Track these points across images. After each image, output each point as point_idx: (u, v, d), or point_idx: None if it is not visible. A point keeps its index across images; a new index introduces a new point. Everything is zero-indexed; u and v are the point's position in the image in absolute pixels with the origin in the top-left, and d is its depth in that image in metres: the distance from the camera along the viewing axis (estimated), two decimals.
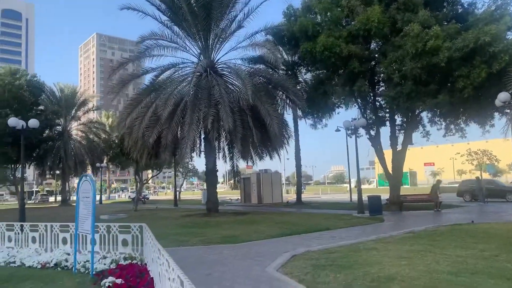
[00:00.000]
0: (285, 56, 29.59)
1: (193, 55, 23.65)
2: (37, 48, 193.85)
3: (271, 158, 24.01)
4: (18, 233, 11.29)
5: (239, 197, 37.99)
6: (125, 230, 9.83)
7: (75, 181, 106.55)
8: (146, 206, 37.84)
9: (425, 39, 18.06)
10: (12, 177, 50.82)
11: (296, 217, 20.69)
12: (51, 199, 72.33)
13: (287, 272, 8.08)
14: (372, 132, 24.36)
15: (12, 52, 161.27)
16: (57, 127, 48.08)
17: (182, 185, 58.87)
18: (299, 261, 9.09)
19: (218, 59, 23.68)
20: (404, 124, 23.93)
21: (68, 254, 9.62)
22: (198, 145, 24.32)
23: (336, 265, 8.46)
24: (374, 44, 22.66)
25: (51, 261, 9.52)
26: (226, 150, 24.73)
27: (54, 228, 10.67)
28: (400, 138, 23.98)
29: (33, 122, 16.90)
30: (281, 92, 25.41)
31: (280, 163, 53.75)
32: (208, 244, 12.38)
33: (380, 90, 23.97)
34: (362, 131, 24.44)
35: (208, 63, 22.61)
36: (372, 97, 24.23)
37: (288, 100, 25.45)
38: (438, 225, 15.31)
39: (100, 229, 9.93)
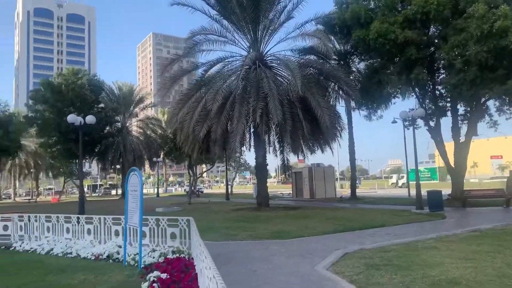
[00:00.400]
0: (337, 46, 28.61)
1: (242, 48, 23.54)
2: (98, 49, 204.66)
3: (322, 151, 23.35)
4: (75, 225, 11.74)
5: (291, 192, 37.57)
6: (173, 223, 9.84)
7: None
8: (199, 200, 38.59)
9: (492, 19, 16.49)
10: (77, 172, 54.07)
11: (349, 212, 19.93)
12: (114, 192, 76.19)
13: (337, 271, 7.61)
14: (432, 123, 22.85)
15: (77, 54, 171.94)
16: (117, 123, 50.36)
17: (234, 179, 59.39)
18: (351, 260, 8.57)
19: (267, 51, 23.36)
20: (468, 114, 22.17)
21: (120, 247, 9.79)
22: (248, 139, 24.18)
23: (391, 265, 7.85)
24: (433, 29, 21.16)
25: (104, 253, 9.76)
26: (276, 143, 24.38)
27: (107, 221, 10.97)
28: (463, 129, 22.26)
29: (90, 119, 17.65)
30: (333, 83, 24.60)
31: (334, 157, 52.53)
32: (257, 239, 12.16)
33: (440, 77, 22.37)
34: (420, 122, 23.02)
35: (257, 56, 22.34)
36: (431, 86, 22.69)
37: (340, 91, 24.59)
38: (507, 223, 13.95)
39: (149, 222, 10.02)
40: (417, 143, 21.22)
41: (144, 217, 10.18)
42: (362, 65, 27.45)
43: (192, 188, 48.68)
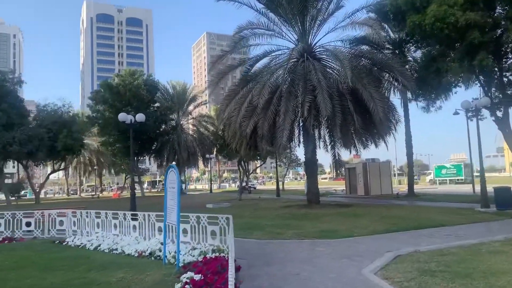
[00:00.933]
0: (391, 34, 27.05)
1: (290, 41, 22.94)
2: (155, 50, 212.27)
3: (376, 146, 22.13)
4: (122, 221, 11.92)
5: (345, 188, 36.36)
6: (213, 221, 9.59)
7: (191, 172, 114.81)
8: (250, 196, 38.58)
9: None
10: (135, 169, 56.41)
11: (405, 210, 18.69)
12: None
13: (387, 277, 6.92)
14: (499, 114, 20.83)
15: (136, 56, 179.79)
16: (171, 122, 51.73)
17: (285, 175, 58.88)
18: (403, 264, 7.80)
19: (315, 43, 22.57)
20: None
21: (162, 244, 9.74)
22: (296, 134, 23.56)
23: (449, 271, 7.00)
24: (500, 9, 19.21)
25: (147, 250, 9.75)
26: (326, 138, 23.50)
27: (151, 218, 10.99)
28: None
29: (140, 117, 17.99)
30: (387, 74, 23.25)
31: (391, 151, 50.15)
32: (303, 238, 11.62)
33: (508, 63, 20.32)
34: (486, 112, 21.10)
35: (304, 48, 21.64)
36: (497, 72, 20.67)
37: (395, 82, 23.17)
38: None
39: (190, 219, 9.85)
40: (483, 135, 19.38)
41: (185, 214, 10.08)
42: (418, 53, 25.74)
43: (244, 184, 48.94)
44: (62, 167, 48.30)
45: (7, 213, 14.49)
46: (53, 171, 48.23)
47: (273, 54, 22.25)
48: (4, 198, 41.57)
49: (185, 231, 9.87)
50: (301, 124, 21.79)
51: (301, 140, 22.69)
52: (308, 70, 19.94)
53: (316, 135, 23.29)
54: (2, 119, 24.33)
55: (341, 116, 18.86)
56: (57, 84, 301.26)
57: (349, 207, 21.18)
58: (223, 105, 21.64)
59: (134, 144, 47.74)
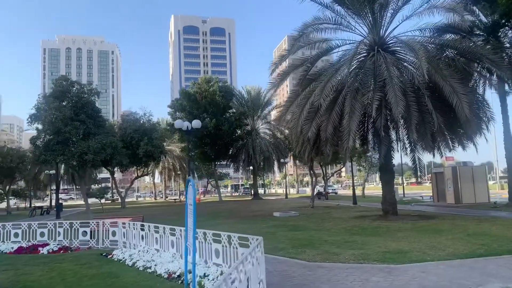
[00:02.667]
0: (482, 18, 23.31)
1: (359, 35, 20.73)
2: (238, 57, 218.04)
3: (463, 148, 18.92)
4: (162, 236, 11.18)
5: (432, 195, 32.54)
6: (244, 242, 8.29)
7: (274, 176, 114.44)
8: (326, 203, 36.51)
9: None
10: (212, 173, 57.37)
11: (501, 225, 15.47)
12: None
13: None
14: None
15: (220, 64, 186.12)
16: (246, 126, 51.67)
17: (365, 180, 55.31)
18: None
19: (387, 34, 20.09)
20: None
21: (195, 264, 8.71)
22: (371, 138, 21.24)
23: None
24: None
25: (177, 271, 8.81)
26: (405, 140, 20.81)
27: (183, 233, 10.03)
28: None
29: (196, 123, 17.37)
30: (476, 64, 19.91)
31: (492, 153, 44.18)
32: (361, 261, 9.76)
33: None
34: None
35: (375, 40, 19.39)
36: None
37: (486, 73, 19.74)
38: None
39: (222, 239, 8.68)
40: None
41: (217, 232, 8.96)
42: None
43: (320, 189, 46.79)
44: (145, 172, 50.80)
45: (66, 223, 14.76)
46: (137, 177, 51.01)
47: (338, 49, 20.27)
48: (97, 201, 45.02)
49: (217, 252, 8.76)
50: (371, 126, 19.50)
51: (371, 143, 20.33)
52: (377, 64, 17.71)
53: (393, 137, 20.81)
54: (80, 130, 25.81)
55: (417, 115, 16.29)
56: (150, 94, 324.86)
57: (431, 219, 18.37)
58: (284, 108, 20.26)
59: (211, 150, 48.69)
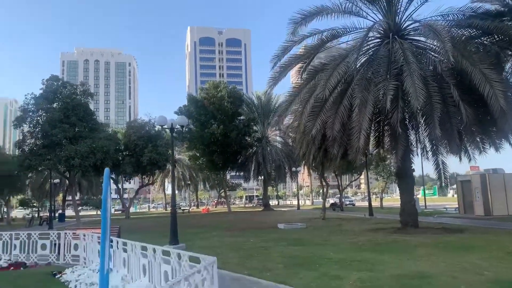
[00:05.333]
0: None
1: (371, 21, 18.20)
2: (254, 67, 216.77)
3: (496, 149, 16.03)
4: (115, 251, 8.85)
5: (458, 207, 29.36)
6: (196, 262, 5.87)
7: (291, 186, 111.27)
8: (339, 214, 33.65)
9: None
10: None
11: None
12: (272, 202, 74.20)
13: None
14: None
15: (235, 75, 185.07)
16: (255, 133, 49.30)
17: (383, 190, 51.97)
18: None
19: (404, 19, 17.52)
20: None
21: None
22: (386, 138, 18.54)
23: None
24: None
25: None
26: (426, 141, 18.04)
27: (137, 248, 7.67)
28: None
29: (181, 120, 14.90)
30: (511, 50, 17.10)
31: None
32: None
33: None
34: None
35: (389, 26, 16.88)
36: None
37: None
38: None
39: (171, 258, 6.28)
40: None
41: (166, 249, 6.60)
42: None
43: (332, 200, 43.84)
44: (150, 181, 48.84)
45: (23, 234, 12.59)
46: (142, 186, 48.99)
47: (348, 36, 17.64)
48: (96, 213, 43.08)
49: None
50: (385, 123, 16.84)
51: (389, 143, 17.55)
52: (393, 51, 15.16)
53: (412, 138, 18.13)
54: (68, 132, 23.91)
55: (441, 108, 13.62)
56: (166, 105, 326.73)
57: (458, 233, 15.51)
58: (286, 103, 17.76)
59: (219, 158, 46.43)
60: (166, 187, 73.98)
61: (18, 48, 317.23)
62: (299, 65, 18.45)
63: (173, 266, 6.21)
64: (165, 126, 14.97)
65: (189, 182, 66.33)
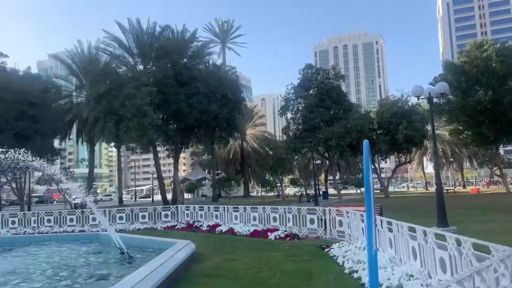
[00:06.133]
0: None
1: None
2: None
3: None
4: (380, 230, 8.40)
5: None
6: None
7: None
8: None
9: None
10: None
11: None
12: None
13: None
14: None
15: (503, 30, 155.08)
16: None
17: None
18: None
19: None
20: None
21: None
22: None
23: None
24: None
25: (384, 284, 6.09)
26: None
27: (404, 228, 6.99)
28: None
29: (440, 87, 13.11)
30: None
31: None
32: None
33: None
34: None
35: None
36: None
37: None
38: None
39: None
40: None
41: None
42: None
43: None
44: (407, 160, 46.55)
45: (294, 209, 13.93)
46: (399, 165, 47.20)
47: None
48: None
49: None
50: None
51: None
52: None
53: None
54: (325, 115, 25.24)
55: None
56: (417, 78, 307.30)
57: None
58: None
59: (489, 129, 39.67)
60: (425, 165, 69.53)
61: (275, 47, 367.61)
62: None
63: (450, 253, 5.24)
64: (422, 97, 13.48)
65: (451, 160, 59.99)
